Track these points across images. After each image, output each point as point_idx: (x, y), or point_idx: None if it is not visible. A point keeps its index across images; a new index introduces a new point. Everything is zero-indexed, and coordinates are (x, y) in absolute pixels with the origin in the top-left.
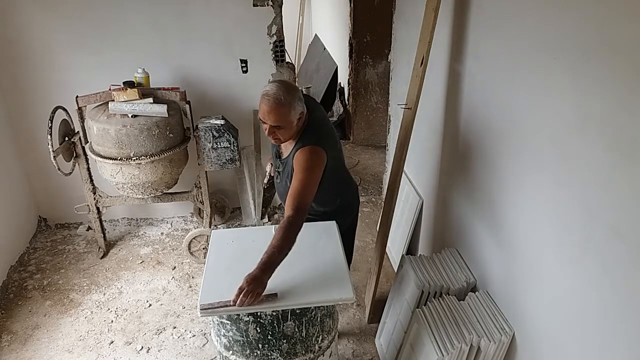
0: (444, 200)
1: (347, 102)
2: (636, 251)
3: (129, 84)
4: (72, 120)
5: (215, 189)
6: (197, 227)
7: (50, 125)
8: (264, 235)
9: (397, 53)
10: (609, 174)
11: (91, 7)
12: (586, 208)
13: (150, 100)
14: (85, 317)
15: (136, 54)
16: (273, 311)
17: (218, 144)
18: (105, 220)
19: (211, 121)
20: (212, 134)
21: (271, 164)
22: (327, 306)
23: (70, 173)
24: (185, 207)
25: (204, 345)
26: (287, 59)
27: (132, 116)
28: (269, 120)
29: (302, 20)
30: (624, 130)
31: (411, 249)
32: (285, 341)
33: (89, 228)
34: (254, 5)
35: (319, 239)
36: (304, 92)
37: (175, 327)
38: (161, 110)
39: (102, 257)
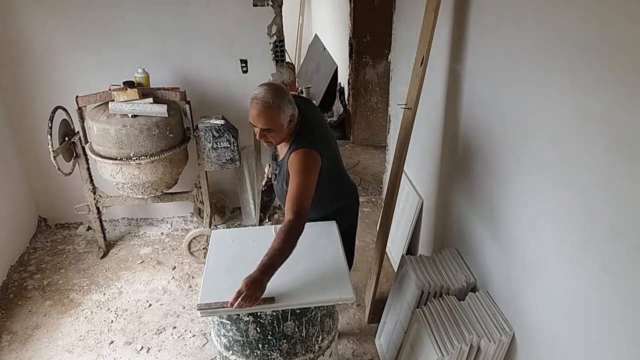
0: (444, 200)
1: (347, 102)
2: (636, 251)
3: (129, 84)
4: (72, 120)
5: (215, 189)
6: (197, 227)
7: (50, 125)
8: (264, 235)
9: (397, 53)
10: (609, 174)
11: (91, 7)
12: (586, 208)
13: (150, 100)
14: (85, 317)
15: (136, 54)
16: (273, 311)
17: (218, 144)
18: (105, 220)
19: (211, 121)
20: (212, 134)
21: (269, 165)
22: (327, 306)
23: (70, 173)
24: (185, 207)
25: (204, 345)
26: (287, 59)
27: (132, 116)
28: (259, 124)
29: (302, 20)
30: (624, 130)
31: (411, 249)
32: (285, 341)
33: (89, 228)
34: (254, 5)
35: (319, 239)
36: (303, 92)
37: (175, 327)
38: (161, 110)
39: (102, 257)
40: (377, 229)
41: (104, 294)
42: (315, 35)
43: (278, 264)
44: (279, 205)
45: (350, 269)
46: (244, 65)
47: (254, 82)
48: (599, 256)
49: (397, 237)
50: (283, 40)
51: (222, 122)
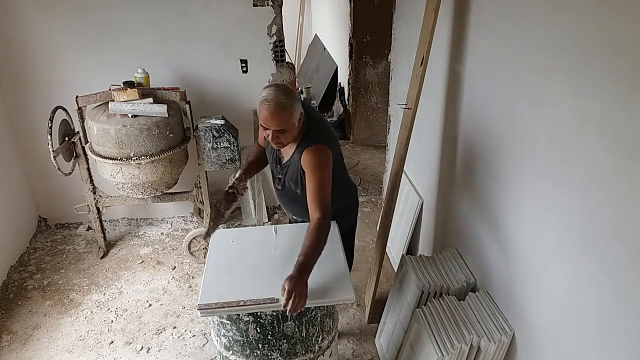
0: (444, 200)
1: (347, 102)
2: (636, 251)
3: (129, 84)
4: (72, 120)
5: (215, 189)
6: (197, 227)
7: (50, 125)
8: (264, 235)
9: (397, 53)
10: (609, 174)
11: (91, 7)
12: (586, 208)
13: (150, 100)
14: (85, 317)
15: (136, 54)
16: (273, 311)
17: (218, 144)
18: (105, 220)
19: (211, 121)
20: (212, 134)
21: (241, 174)
22: (327, 306)
23: (70, 173)
24: (185, 207)
25: (204, 345)
26: (287, 59)
27: (132, 116)
28: (272, 125)
29: (302, 20)
30: (624, 131)
31: (411, 249)
32: (285, 341)
33: (89, 228)
34: (254, 5)
35: None
36: (303, 92)
37: (175, 327)
38: (161, 110)
39: (102, 257)
40: (377, 229)
41: (104, 294)
42: (315, 35)
43: (313, 261)
44: (279, 205)
45: (350, 269)
46: (244, 65)
47: (254, 82)
48: (599, 256)
49: (397, 237)
50: (283, 40)
51: (222, 122)
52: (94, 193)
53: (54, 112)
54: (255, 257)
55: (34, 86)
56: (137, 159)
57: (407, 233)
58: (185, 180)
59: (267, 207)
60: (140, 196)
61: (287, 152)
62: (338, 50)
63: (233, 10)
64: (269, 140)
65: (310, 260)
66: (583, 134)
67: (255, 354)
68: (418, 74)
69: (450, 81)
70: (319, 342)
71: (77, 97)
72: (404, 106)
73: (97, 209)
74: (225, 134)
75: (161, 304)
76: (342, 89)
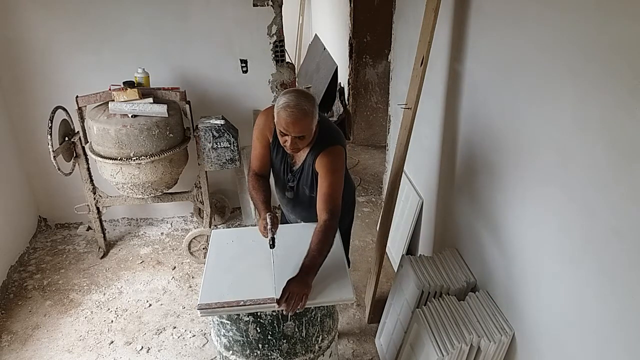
0: (444, 200)
1: (347, 102)
2: (636, 252)
3: (129, 84)
4: (72, 120)
5: (215, 189)
6: (197, 227)
7: (50, 125)
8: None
9: (397, 53)
10: (608, 174)
11: (91, 7)
12: (586, 208)
13: (150, 100)
14: (85, 317)
15: (136, 54)
16: (273, 311)
17: (218, 144)
18: (105, 220)
19: (211, 121)
20: (212, 134)
21: (271, 217)
22: (327, 306)
23: (70, 173)
24: (185, 207)
25: (204, 345)
26: (287, 59)
27: (132, 116)
28: (294, 132)
29: (302, 20)
30: (624, 131)
31: (411, 249)
32: (285, 341)
33: (89, 228)
34: (254, 5)
35: None
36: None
37: (175, 327)
38: (161, 110)
39: (102, 257)
40: (377, 229)
41: (104, 294)
42: (315, 35)
43: (319, 263)
44: (279, 205)
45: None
46: (244, 65)
47: (254, 82)
48: (599, 256)
49: (397, 237)
50: (283, 40)
51: (222, 122)
52: (94, 193)
53: (54, 112)
54: (255, 257)
55: (34, 86)
56: (137, 159)
57: (407, 233)
58: (185, 180)
59: None
60: (140, 196)
61: (300, 156)
62: (338, 50)
63: (233, 10)
64: (286, 146)
65: (316, 262)
66: (583, 134)
67: (255, 354)
68: (418, 74)
69: (450, 81)
70: (319, 342)
71: (77, 97)
72: (404, 106)
73: (97, 209)
74: (225, 134)
75: (161, 304)
76: (342, 89)
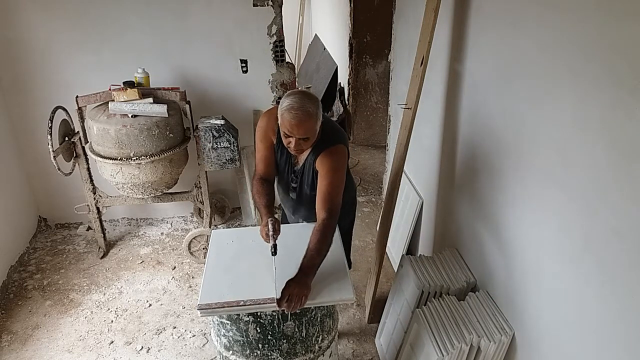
0: (444, 200)
1: (347, 102)
2: (635, 252)
3: (129, 84)
4: (72, 120)
5: (215, 189)
6: (197, 227)
7: (50, 125)
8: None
9: (397, 53)
10: (608, 174)
11: (91, 7)
12: (586, 208)
13: (150, 100)
14: (85, 317)
15: (136, 54)
16: (273, 311)
17: (218, 144)
18: (105, 220)
19: (211, 121)
20: (212, 134)
21: (273, 223)
22: (327, 306)
23: (70, 173)
24: (185, 207)
25: (204, 345)
26: (287, 59)
27: (132, 116)
28: (298, 134)
29: (302, 20)
30: (624, 131)
31: (411, 249)
32: (285, 341)
33: (89, 228)
34: (254, 5)
35: None
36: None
37: (175, 327)
38: (161, 110)
39: (102, 257)
40: (377, 229)
41: (104, 294)
42: (315, 35)
43: (318, 263)
44: (279, 205)
45: (350, 266)
46: (244, 65)
47: (254, 82)
48: (599, 256)
49: (397, 237)
50: (283, 40)
51: (222, 122)
52: (94, 193)
53: (54, 112)
54: (255, 257)
55: (34, 86)
56: (137, 159)
57: (407, 233)
58: (185, 180)
59: None
60: (140, 196)
61: (302, 156)
62: (338, 50)
63: (233, 10)
64: (290, 147)
65: (314, 263)
66: (583, 134)
67: (255, 354)
68: (418, 74)
69: (450, 81)
70: (319, 342)
71: (77, 97)
72: (404, 106)
73: (97, 209)
74: (225, 134)
75: (161, 304)
76: (342, 89)
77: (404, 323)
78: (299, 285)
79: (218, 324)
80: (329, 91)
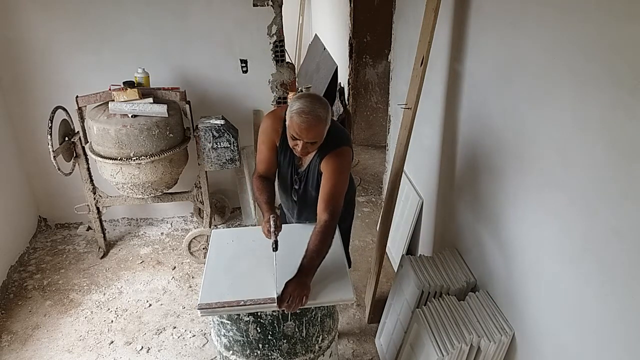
0: (444, 200)
1: (347, 102)
2: (635, 252)
3: (129, 84)
4: (72, 120)
5: (215, 189)
6: (197, 227)
7: (50, 125)
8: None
9: (397, 53)
10: (608, 174)
11: (91, 7)
12: (586, 208)
13: (150, 100)
14: (85, 317)
15: (136, 54)
16: (273, 311)
17: (218, 144)
18: (105, 220)
19: (211, 121)
20: (212, 134)
21: (274, 220)
22: (327, 306)
23: (70, 173)
24: (185, 207)
25: (204, 345)
26: (287, 59)
27: (132, 116)
28: (307, 138)
29: (302, 20)
30: (624, 131)
31: (411, 249)
32: (285, 341)
33: (89, 228)
34: (254, 5)
35: None
36: (304, 92)
37: (175, 327)
38: (161, 110)
39: (102, 257)
40: (377, 229)
41: (104, 294)
42: (315, 35)
43: (317, 264)
44: (279, 205)
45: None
46: (244, 65)
47: (254, 82)
48: (599, 256)
49: (397, 237)
50: (283, 40)
51: (222, 122)
52: (94, 193)
53: (54, 112)
54: (256, 257)
55: (34, 86)
56: (137, 159)
57: (407, 233)
58: (185, 180)
59: None
60: (140, 196)
61: (306, 158)
62: (338, 50)
63: (233, 10)
64: (297, 149)
65: (314, 264)
66: (583, 134)
67: (255, 354)
68: (418, 74)
69: (450, 81)
70: (319, 342)
71: (77, 97)
72: (404, 106)
73: (97, 209)
74: (225, 134)
75: (161, 304)
76: (342, 89)
77: (404, 323)
78: (298, 286)
79: (218, 324)
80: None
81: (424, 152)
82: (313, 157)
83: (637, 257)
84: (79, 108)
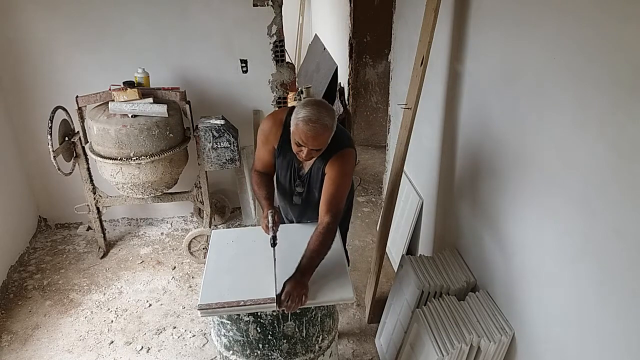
0: (444, 200)
1: (347, 102)
2: (635, 252)
3: (129, 84)
4: (72, 120)
5: (215, 189)
6: (197, 227)
7: (50, 125)
8: (264, 235)
9: (397, 53)
10: (609, 174)
11: (91, 7)
12: (586, 208)
13: (150, 100)
14: (85, 317)
15: (136, 54)
16: (273, 311)
17: (218, 144)
18: (105, 220)
19: (211, 121)
20: (212, 134)
21: (272, 215)
22: (327, 306)
23: (70, 173)
24: (185, 207)
25: (204, 345)
26: (287, 59)
27: (132, 116)
28: (312, 145)
29: (302, 20)
30: (624, 131)
31: (411, 249)
32: (285, 341)
33: (89, 228)
34: (254, 5)
35: None
36: (303, 92)
37: (175, 327)
38: (161, 110)
39: (102, 257)
40: (377, 229)
41: (104, 294)
42: (315, 35)
43: (316, 264)
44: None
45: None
46: (244, 65)
47: (254, 82)
48: (599, 256)
49: (397, 237)
50: (283, 40)
51: (222, 122)
52: (94, 193)
53: (54, 112)
54: (255, 257)
55: (34, 86)
56: (137, 159)
57: (407, 233)
58: (185, 180)
59: None
60: (140, 196)
61: (308, 161)
62: (338, 50)
63: (233, 10)
64: (300, 155)
65: (313, 264)
66: (583, 134)
67: (255, 354)
68: (418, 74)
69: (450, 81)
70: (319, 342)
71: (77, 97)
72: (404, 106)
73: (97, 209)
74: (225, 134)
75: (161, 304)
76: (342, 89)
77: (404, 323)
78: (297, 285)
79: (218, 324)
80: (329, 91)
81: (424, 152)
82: (316, 159)
83: (637, 257)
84: (79, 108)
